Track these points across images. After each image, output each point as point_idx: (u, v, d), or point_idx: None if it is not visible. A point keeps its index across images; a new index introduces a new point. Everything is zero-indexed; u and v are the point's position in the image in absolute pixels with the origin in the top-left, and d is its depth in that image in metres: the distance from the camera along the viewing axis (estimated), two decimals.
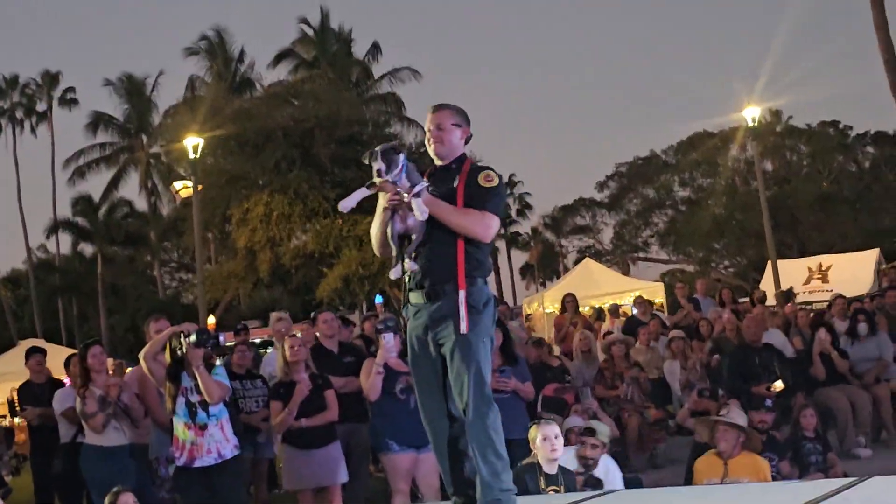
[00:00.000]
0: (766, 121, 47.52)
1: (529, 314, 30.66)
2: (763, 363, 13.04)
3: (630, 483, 8.17)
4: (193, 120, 32.68)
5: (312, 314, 12.10)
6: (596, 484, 8.27)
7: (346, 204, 5.90)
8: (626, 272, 48.44)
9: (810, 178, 53.91)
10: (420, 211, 5.71)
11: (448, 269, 5.70)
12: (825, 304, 20.11)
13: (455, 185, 5.81)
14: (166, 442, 9.03)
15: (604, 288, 29.51)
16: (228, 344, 14.55)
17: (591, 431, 9.05)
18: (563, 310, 18.81)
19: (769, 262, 28.62)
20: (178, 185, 36.89)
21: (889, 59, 26.76)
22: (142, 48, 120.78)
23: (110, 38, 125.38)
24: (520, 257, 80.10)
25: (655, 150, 59.97)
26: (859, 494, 5.84)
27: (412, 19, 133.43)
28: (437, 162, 6.00)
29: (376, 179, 5.78)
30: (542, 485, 7.67)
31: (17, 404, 13.95)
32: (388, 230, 5.85)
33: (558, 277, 53.38)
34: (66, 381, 12.42)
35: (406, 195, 5.73)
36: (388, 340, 9.34)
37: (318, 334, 11.39)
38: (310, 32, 49.94)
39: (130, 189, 61.80)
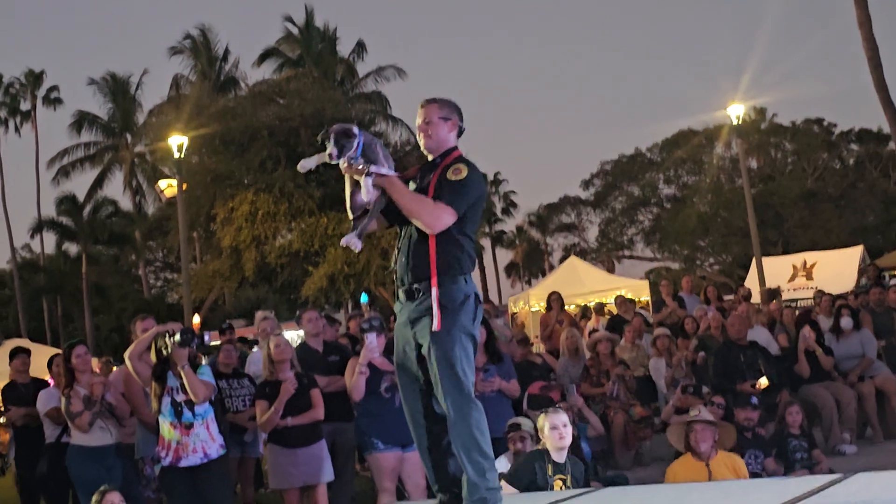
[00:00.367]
0: (750, 118, 47.64)
1: (515, 313, 30.69)
2: (748, 361, 13.07)
3: (616, 480, 8.17)
4: (178, 119, 32.67)
5: (297, 313, 12.09)
6: None
7: (305, 164, 5.87)
8: (611, 270, 48.46)
9: (795, 175, 54.01)
10: (366, 191, 5.68)
11: (423, 266, 5.63)
12: (810, 302, 20.20)
13: (432, 177, 5.75)
14: (152, 441, 9.02)
15: (589, 286, 29.56)
16: (214, 343, 14.55)
17: (516, 427, 9.09)
18: (549, 308, 18.80)
19: (754, 260, 28.69)
20: (162, 184, 36.78)
21: (873, 56, 26.85)
22: (126, 47, 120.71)
23: (94, 37, 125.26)
24: (505, 256, 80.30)
25: (640, 148, 60.05)
26: (844, 491, 5.85)
27: (397, 18, 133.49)
28: (428, 156, 5.95)
29: (327, 159, 5.71)
30: (550, 472, 7.67)
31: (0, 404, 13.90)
32: (349, 201, 5.82)
33: (544, 275, 53.53)
34: (51, 381, 12.38)
35: (358, 174, 5.68)
36: (371, 340, 9.34)
37: (302, 333, 11.38)
38: (294, 31, 49.95)
39: (115, 188, 61.78)
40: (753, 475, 9.76)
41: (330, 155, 5.67)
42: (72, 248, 60.41)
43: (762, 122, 55.11)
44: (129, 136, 58.98)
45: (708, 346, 14.97)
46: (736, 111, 29.46)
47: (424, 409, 5.85)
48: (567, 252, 59.56)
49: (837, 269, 28.17)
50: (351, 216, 5.86)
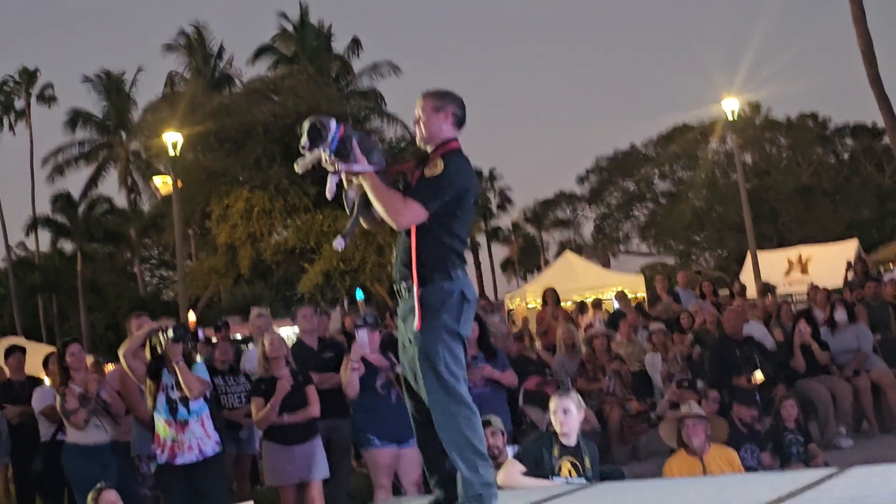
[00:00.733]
0: (745, 113, 47.55)
1: (512, 309, 30.72)
2: (744, 355, 13.06)
3: (612, 475, 8.16)
4: (173, 116, 32.58)
5: (293, 309, 12.10)
6: None
7: (302, 164, 5.82)
8: (606, 265, 48.54)
9: (790, 170, 54.07)
10: (329, 189, 5.71)
11: (407, 264, 5.59)
12: (805, 296, 20.20)
13: (416, 172, 5.70)
14: (148, 439, 9.01)
15: (584, 281, 29.64)
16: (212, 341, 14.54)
17: (486, 423, 9.09)
18: (545, 304, 18.82)
19: (749, 254, 28.71)
20: (157, 181, 36.80)
21: (867, 51, 26.83)
22: (120, 44, 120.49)
23: (88, 34, 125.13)
24: (500, 251, 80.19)
25: (635, 144, 60.12)
26: (840, 485, 5.84)
27: (391, 14, 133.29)
28: (427, 150, 5.88)
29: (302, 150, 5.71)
30: (556, 452, 7.66)
31: None
32: (345, 198, 5.82)
33: (539, 271, 53.56)
34: (46, 379, 12.39)
35: (331, 169, 5.66)
36: (362, 337, 9.35)
37: (297, 329, 11.38)
38: (289, 28, 49.86)
39: (110, 186, 61.94)
40: (749, 470, 9.76)
41: (302, 147, 5.66)
42: (67, 246, 60.31)
43: (757, 117, 55.10)
44: (123, 134, 58.84)
45: (703, 341, 14.98)
46: (731, 106, 29.47)
47: (420, 405, 5.83)
48: (562, 247, 59.58)
49: (832, 263, 28.14)
50: (348, 212, 5.86)
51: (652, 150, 58.99)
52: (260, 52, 50.20)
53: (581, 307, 20.77)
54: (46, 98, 62.83)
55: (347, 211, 5.82)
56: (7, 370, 13.34)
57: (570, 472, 7.59)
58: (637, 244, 59.81)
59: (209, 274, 34.60)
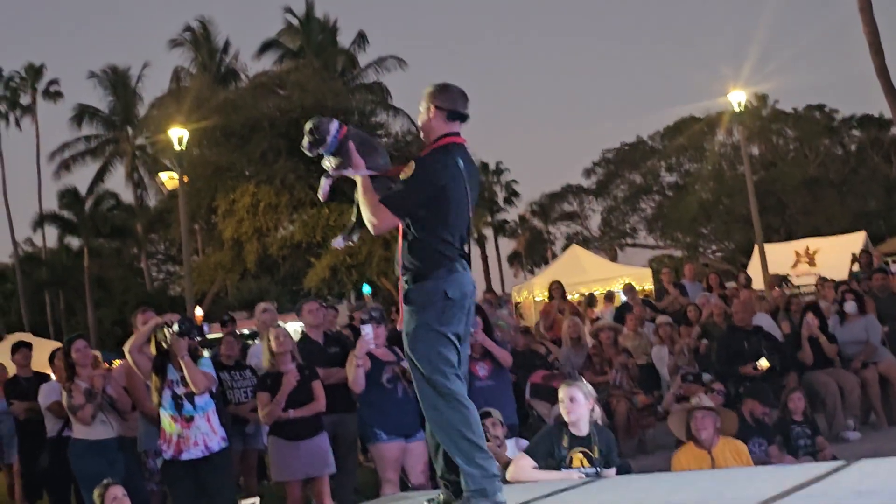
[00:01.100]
0: (752, 105, 47.50)
1: (519, 302, 30.70)
2: (752, 347, 13.03)
3: (619, 469, 8.13)
4: (179, 111, 32.59)
5: (298, 304, 12.08)
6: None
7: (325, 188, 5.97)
8: (613, 258, 48.43)
9: (797, 161, 53.95)
10: (322, 191, 5.90)
11: (399, 264, 5.72)
12: (812, 288, 20.14)
13: None
14: (155, 435, 9.01)
15: (591, 274, 29.59)
16: (216, 336, 14.53)
17: (486, 414, 9.11)
18: (551, 297, 18.80)
19: (756, 247, 28.65)
20: (163, 176, 36.78)
21: (874, 41, 26.75)
22: (126, 40, 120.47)
23: (94, 29, 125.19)
24: (507, 245, 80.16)
25: (642, 136, 59.98)
26: (848, 477, 5.83)
27: (397, 8, 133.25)
28: None
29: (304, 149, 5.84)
30: (566, 443, 7.64)
31: None
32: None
33: (546, 264, 53.42)
34: (53, 375, 12.38)
35: (329, 172, 5.80)
36: (367, 332, 9.36)
37: (303, 324, 11.37)
38: (295, 22, 49.88)
39: (116, 181, 62.00)
40: (758, 463, 9.73)
41: (302, 147, 5.80)
42: (74, 242, 60.49)
43: (764, 109, 55.00)
44: (129, 129, 58.91)
45: (710, 334, 14.96)
46: (737, 98, 29.41)
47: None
48: (569, 241, 59.48)
49: (840, 255, 28.11)
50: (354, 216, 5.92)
51: (659, 143, 58.86)
52: (265, 47, 50.23)
53: (590, 300, 20.75)
54: (52, 94, 62.91)
55: (354, 213, 5.88)
56: (14, 366, 13.37)
57: (581, 462, 7.56)
58: (644, 237, 59.75)
59: (216, 269, 34.60)
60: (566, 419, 7.68)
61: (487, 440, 8.77)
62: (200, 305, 36.00)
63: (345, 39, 49.97)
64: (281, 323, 11.51)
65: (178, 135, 27.21)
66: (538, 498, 6.35)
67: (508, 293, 35.87)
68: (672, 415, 10.02)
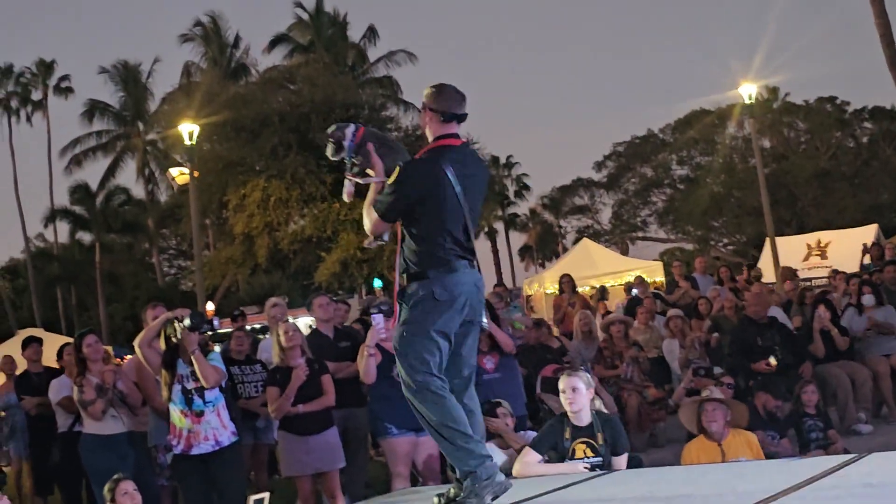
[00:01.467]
0: (763, 98, 47.39)
1: (530, 295, 30.69)
2: (765, 341, 12.99)
3: (629, 462, 8.13)
4: (189, 106, 32.63)
5: (308, 299, 12.07)
6: None
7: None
8: (624, 252, 48.41)
9: (808, 154, 53.78)
10: (346, 192, 6.19)
11: (397, 262, 5.95)
12: (825, 281, 20.08)
13: None
14: (165, 430, 9.03)
15: (602, 268, 29.57)
16: (226, 330, 14.54)
17: (496, 405, 9.16)
18: (561, 291, 18.78)
19: (768, 240, 28.58)
20: (174, 171, 36.79)
21: (885, 33, 26.69)
22: (137, 35, 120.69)
23: (105, 25, 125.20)
24: (518, 238, 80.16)
25: (653, 129, 59.79)
26: (860, 471, 5.81)
27: (407, 2, 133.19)
28: None
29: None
30: (568, 435, 7.65)
31: None
32: None
33: (557, 258, 53.42)
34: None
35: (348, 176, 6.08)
36: (378, 321, 9.35)
37: (314, 319, 11.37)
38: (305, 17, 49.91)
39: (127, 176, 61.98)
40: (769, 456, 9.71)
41: (326, 154, 6.13)
42: (85, 237, 60.59)
43: (774, 102, 54.87)
44: (140, 125, 59.01)
45: (721, 327, 14.93)
46: (748, 90, 29.33)
47: None
48: (580, 234, 59.40)
49: (852, 248, 27.94)
50: None
51: (669, 136, 58.71)
52: (276, 42, 50.29)
53: (602, 293, 20.72)
54: (63, 89, 63.02)
55: None
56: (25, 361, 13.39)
57: (584, 452, 7.58)
58: (655, 230, 59.61)
59: (227, 264, 34.65)
60: (568, 410, 7.73)
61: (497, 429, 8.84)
62: (211, 300, 36.06)
63: (355, 34, 50.09)
64: (291, 318, 11.51)
65: (188, 130, 27.21)
66: (548, 492, 6.34)
67: (519, 287, 35.86)
68: (682, 407, 10.03)
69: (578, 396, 7.72)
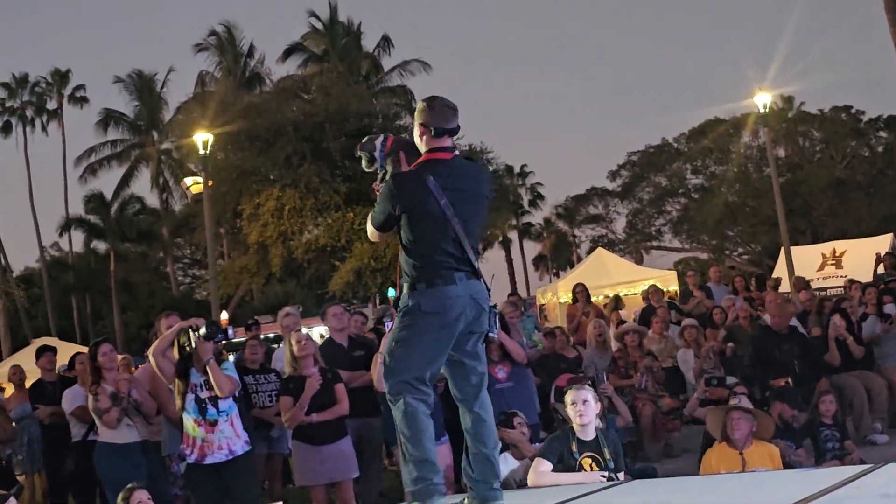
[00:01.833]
0: (777, 107, 47.30)
1: (543, 304, 30.66)
2: (784, 353, 12.94)
3: (644, 472, 8.11)
4: (203, 116, 32.69)
5: (322, 308, 12.08)
6: None
7: None
8: (639, 261, 48.37)
9: (823, 163, 53.70)
10: None
11: (397, 273, 6.14)
12: (840, 290, 20.00)
13: None
14: (179, 439, 9.02)
15: (616, 277, 29.52)
16: (240, 340, 14.55)
17: (513, 415, 9.17)
18: (575, 300, 18.75)
19: (783, 249, 28.53)
20: (188, 181, 36.90)
21: None
22: (151, 45, 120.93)
23: (120, 35, 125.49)
24: (533, 248, 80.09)
25: (667, 139, 59.76)
26: (876, 481, 5.78)
27: (421, 11, 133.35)
28: None
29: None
30: (575, 448, 7.65)
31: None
32: None
33: (571, 267, 53.41)
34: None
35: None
36: (390, 327, 9.34)
37: (328, 328, 11.38)
38: (319, 26, 49.97)
39: (142, 186, 62.18)
40: (786, 466, 9.68)
41: (363, 167, 6.37)
42: (100, 246, 60.74)
43: (789, 111, 54.78)
44: (155, 134, 59.16)
45: (736, 337, 14.88)
46: (763, 99, 29.31)
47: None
48: (595, 243, 59.34)
49: (867, 257, 27.81)
50: None
51: (684, 145, 58.66)
52: (290, 51, 50.36)
53: (616, 302, 20.67)
54: (78, 99, 63.22)
55: None
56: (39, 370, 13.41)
57: (591, 466, 7.58)
58: (669, 240, 59.55)
59: (241, 273, 34.67)
60: (576, 422, 7.72)
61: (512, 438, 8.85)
62: (226, 309, 36.08)
63: (369, 43, 50.13)
64: (304, 328, 11.51)
65: (202, 139, 27.26)
66: (565, 502, 6.32)
67: (533, 296, 35.84)
68: (710, 413, 9.99)
69: (588, 409, 7.74)
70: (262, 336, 15.66)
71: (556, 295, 30.04)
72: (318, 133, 32.15)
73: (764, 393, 12.33)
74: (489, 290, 6.08)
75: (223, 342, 8.98)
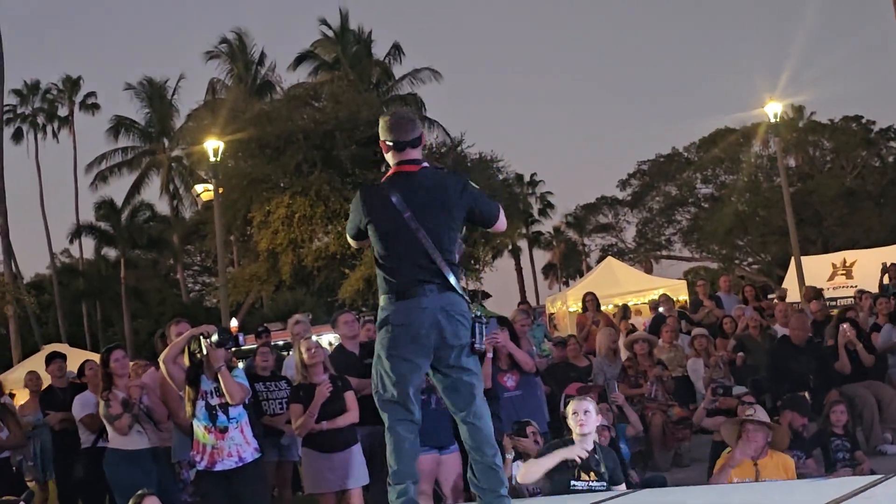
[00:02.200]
0: (788, 116, 47.28)
1: (553, 313, 30.64)
2: (801, 365, 12.93)
3: (654, 482, 8.10)
4: (214, 123, 32.75)
5: (333, 315, 12.07)
6: None
7: None
8: (648, 270, 48.27)
9: (834, 173, 53.65)
10: None
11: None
12: (849, 300, 19.98)
13: None
14: (189, 445, 9.03)
15: (626, 286, 29.49)
16: (250, 347, 14.56)
17: (527, 423, 9.20)
18: (585, 309, 18.74)
19: (793, 259, 28.50)
20: (199, 188, 36.95)
21: None
22: (162, 52, 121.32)
23: (131, 42, 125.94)
24: (542, 256, 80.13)
25: (677, 148, 59.77)
26: (886, 492, 5.77)
27: (432, 19, 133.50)
28: None
29: None
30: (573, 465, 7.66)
31: None
32: None
33: (581, 276, 53.38)
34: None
35: None
36: None
37: (339, 335, 11.37)
38: (330, 34, 50.05)
39: (152, 193, 62.20)
40: (797, 476, 9.67)
41: None
42: (110, 253, 60.87)
43: (800, 120, 54.77)
44: (166, 141, 59.34)
45: (746, 347, 14.87)
46: (773, 109, 29.29)
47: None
48: (604, 253, 59.31)
49: (877, 267, 27.78)
50: None
51: (694, 154, 58.65)
52: (301, 59, 50.47)
53: (624, 311, 20.66)
54: (89, 106, 63.50)
55: None
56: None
57: (590, 477, 7.58)
58: (679, 249, 59.51)
59: (251, 280, 34.67)
60: (576, 431, 7.74)
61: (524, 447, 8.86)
62: (236, 317, 36.09)
63: (380, 51, 50.19)
64: (314, 335, 11.51)
65: (213, 146, 27.32)
66: None
67: (542, 305, 35.82)
68: (726, 423, 9.96)
69: (590, 419, 7.76)
70: (272, 343, 15.67)
71: (565, 304, 30.03)
72: (328, 141, 32.13)
73: (776, 403, 12.31)
74: (475, 302, 6.09)
75: (234, 349, 8.98)
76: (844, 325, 13.78)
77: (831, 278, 29.06)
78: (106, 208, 58.21)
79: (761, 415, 9.38)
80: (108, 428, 9.71)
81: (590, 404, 7.85)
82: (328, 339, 24.82)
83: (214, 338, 8.56)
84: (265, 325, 18.58)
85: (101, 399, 9.74)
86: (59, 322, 54.98)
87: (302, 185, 31.85)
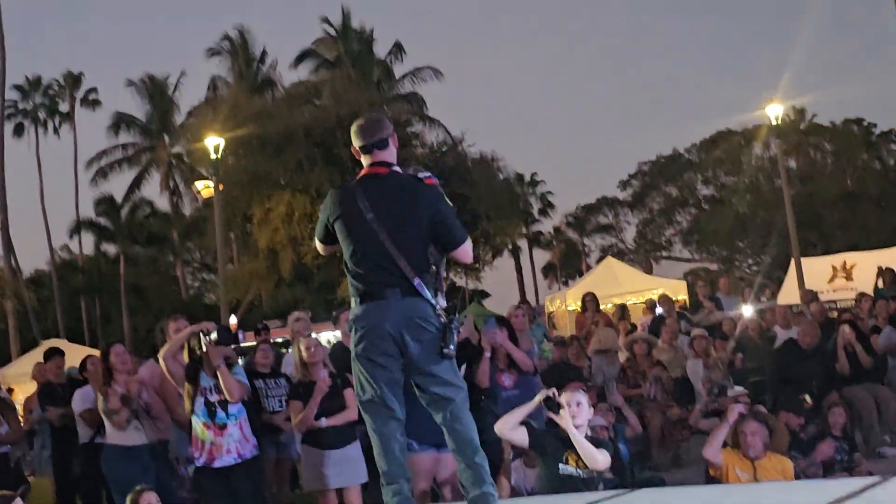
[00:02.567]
0: (789, 118, 47.28)
1: (552, 312, 30.63)
2: (805, 369, 12.93)
3: (652, 482, 8.10)
4: (215, 120, 32.73)
5: (334, 313, 12.07)
6: None
7: None
8: (648, 271, 48.27)
9: (834, 175, 53.69)
10: None
11: None
12: (850, 303, 19.96)
13: None
14: (187, 441, 9.03)
15: (626, 286, 29.48)
16: (249, 344, 14.55)
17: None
18: (584, 309, 18.74)
19: (793, 261, 28.48)
20: (199, 184, 36.94)
21: None
22: (164, 49, 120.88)
23: (132, 38, 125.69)
24: (542, 256, 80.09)
25: (678, 149, 59.87)
26: (883, 494, 5.77)
27: (433, 18, 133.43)
28: None
29: None
30: (562, 446, 7.66)
31: None
32: None
33: (580, 276, 53.41)
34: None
35: None
36: None
37: (340, 333, 11.37)
38: (332, 32, 49.97)
39: (152, 189, 62.15)
40: (795, 477, 9.66)
41: None
42: (110, 249, 60.90)
43: (801, 123, 54.78)
44: (166, 138, 59.24)
45: (746, 348, 14.86)
46: (774, 111, 29.30)
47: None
48: (605, 253, 59.35)
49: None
50: None
51: (695, 156, 58.73)
52: (302, 57, 50.36)
53: (622, 311, 20.67)
54: (90, 102, 63.41)
55: None
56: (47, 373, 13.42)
57: (576, 462, 7.56)
58: (679, 250, 59.57)
59: (250, 277, 34.75)
60: (571, 423, 7.70)
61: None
62: (235, 314, 36.11)
63: (381, 49, 50.12)
64: (314, 333, 11.49)
65: (214, 143, 27.30)
66: None
67: (542, 304, 35.81)
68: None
69: (582, 411, 7.76)
70: (271, 341, 15.67)
71: (564, 303, 30.02)
72: (329, 138, 32.20)
73: (774, 403, 12.31)
74: (451, 308, 6.02)
75: (233, 346, 8.99)
76: (844, 327, 13.79)
77: (831, 280, 29.01)
78: (106, 204, 58.21)
79: (755, 417, 9.37)
80: (106, 423, 9.69)
81: (582, 396, 7.84)
82: (327, 337, 24.81)
83: (214, 335, 8.56)
84: (264, 322, 18.56)
85: (99, 393, 9.74)
86: (58, 318, 54.94)
87: (302, 182, 31.92)
